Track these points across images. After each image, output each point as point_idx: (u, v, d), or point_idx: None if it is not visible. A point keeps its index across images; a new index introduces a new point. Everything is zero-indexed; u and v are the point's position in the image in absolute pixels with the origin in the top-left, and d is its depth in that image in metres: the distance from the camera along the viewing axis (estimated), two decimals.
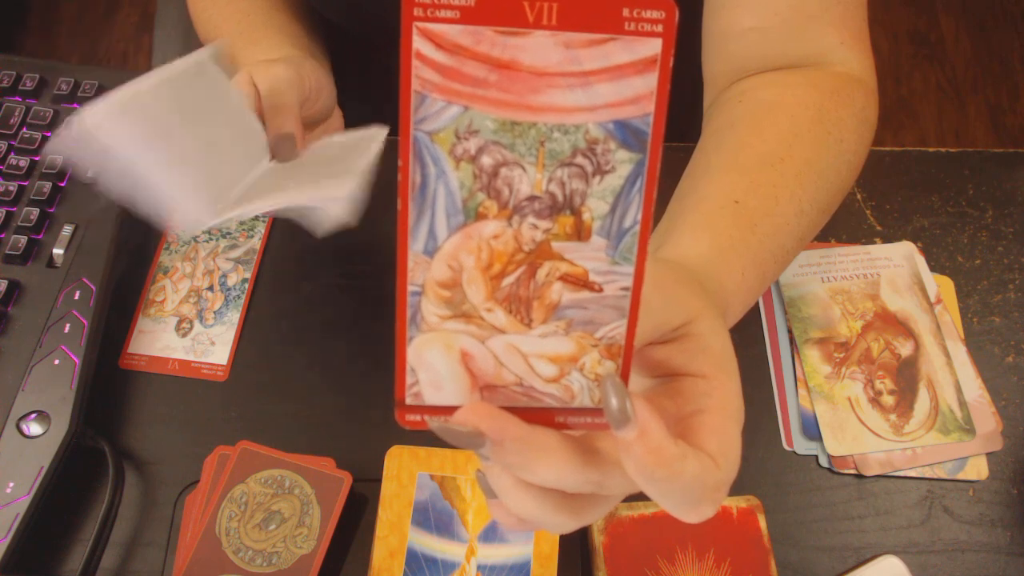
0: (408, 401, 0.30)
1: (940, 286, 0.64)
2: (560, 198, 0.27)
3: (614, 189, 0.27)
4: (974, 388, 0.60)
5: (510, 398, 0.30)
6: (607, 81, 0.26)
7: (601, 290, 0.29)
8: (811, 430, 0.58)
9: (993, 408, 0.59)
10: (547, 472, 0.30)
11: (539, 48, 0.25)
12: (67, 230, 0.60)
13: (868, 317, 0.62)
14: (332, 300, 0.63)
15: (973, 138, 1.75)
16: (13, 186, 0.61)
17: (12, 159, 0.62)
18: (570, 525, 0.33)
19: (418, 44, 0.25)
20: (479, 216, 0.27)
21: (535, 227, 0.28)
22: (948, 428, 0.58)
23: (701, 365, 0.34)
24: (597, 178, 0.27)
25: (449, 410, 0.30)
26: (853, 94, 0.56)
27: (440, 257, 0.28)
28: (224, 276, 0.64)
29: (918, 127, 1.76)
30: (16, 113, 0.64)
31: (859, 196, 0.68)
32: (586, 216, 0.27)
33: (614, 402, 0.29)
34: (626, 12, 0.25)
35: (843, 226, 0.67)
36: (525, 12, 0.24)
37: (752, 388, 0.61)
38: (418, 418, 0.30)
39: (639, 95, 0.26)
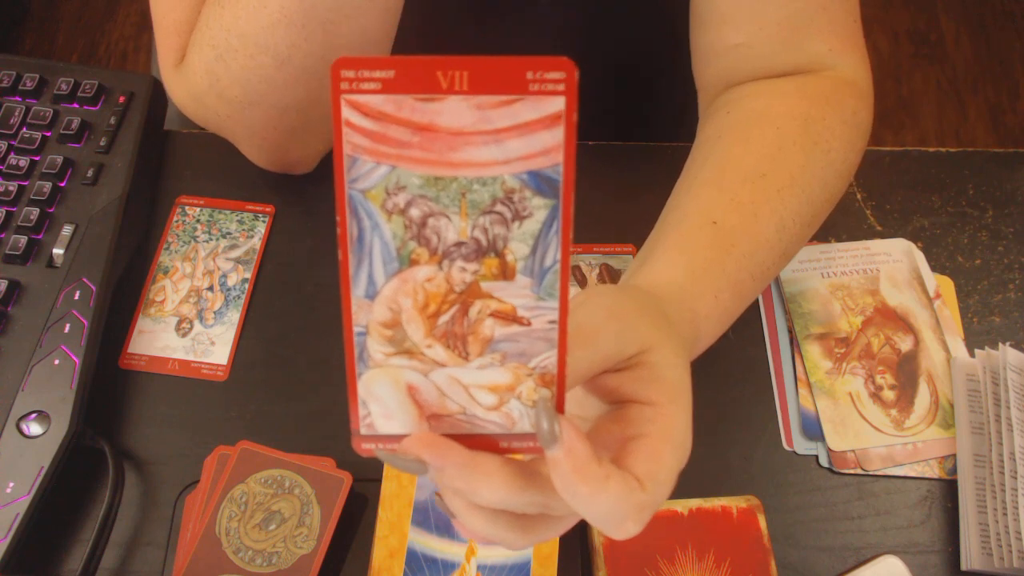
0: (363, 431, 0.32)
1: (940, 286, 0.64)
2: (484, 242, 0.30)
3: (533, 232, 0.30)
4: None
5: (455, 426, 0.33)
6: (518, 137, 0.28)
7: (530, 324, 0.31)
8: (811, 430, 0.58)
9: None
10: (490, 494, 0.32)
11: (454, 111, 0.27)
12: (67, 230, 0.60)
13: (868, 312, 0.62)
14: (332, 300, 0.62)
15: (973, 138, 1.75)
16: (13, 186, 0.61)
17: (12, 159, 0.62)
18: (525, 542, 0.35)
19: (347, 114, 0.27)
20: (412, 262, 0.30)
21: (464, 269, 0.30)
22: (949, 422, 0.58)
23: (651, 393, 0.36)
24: (516, 223, 0.29)
25: (400, 438, 0.32)
26: (844, 99, 0.56)
27: (380, 300, 0.31)
28: (224, 276, 0.64)
29: (918, 127, 1.76)
30: (16, 113, 0.64)
31: (859, 196, 0.68)
32: (509, 258, 0.30)
33: (544, 424, 0.31)
34: (530, 75, 0.27)
35: (843, 226, 0.67)
36: (439, 80, 0.27)
37: (752, 388, 0.61)
38: (373, 447, 0.33)
39: (548, 148, 0.28)
